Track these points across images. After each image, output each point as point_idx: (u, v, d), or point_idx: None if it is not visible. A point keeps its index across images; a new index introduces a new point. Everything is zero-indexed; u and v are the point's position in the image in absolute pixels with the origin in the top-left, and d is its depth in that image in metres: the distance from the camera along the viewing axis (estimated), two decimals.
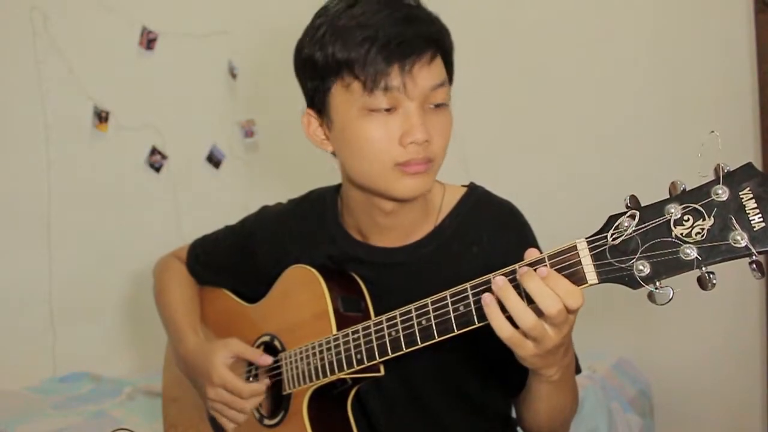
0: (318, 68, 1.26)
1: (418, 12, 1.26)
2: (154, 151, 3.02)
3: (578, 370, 1.34)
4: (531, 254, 1.02)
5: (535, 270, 0.98)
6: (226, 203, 3.10)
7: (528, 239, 1.35)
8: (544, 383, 1.16)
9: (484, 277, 1.05)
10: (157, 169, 3.04)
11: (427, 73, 1.23)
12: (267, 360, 1.44)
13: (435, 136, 1.25)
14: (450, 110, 1.29)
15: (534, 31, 2.81)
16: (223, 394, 1.43)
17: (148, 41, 2.98)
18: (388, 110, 1.23)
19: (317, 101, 1.30)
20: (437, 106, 1.25)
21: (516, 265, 1.02)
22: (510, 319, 1.00)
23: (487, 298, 1.01)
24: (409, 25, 1.22)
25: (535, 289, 0.97)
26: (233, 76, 3.27)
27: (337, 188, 1.47)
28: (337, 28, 1.23)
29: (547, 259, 0.99)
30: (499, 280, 1.01)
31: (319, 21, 1.27)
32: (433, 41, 1.24)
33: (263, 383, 1.44)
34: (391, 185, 1.26)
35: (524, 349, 1.02)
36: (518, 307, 0.99)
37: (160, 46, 3.01)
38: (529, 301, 0.99)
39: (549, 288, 0.97)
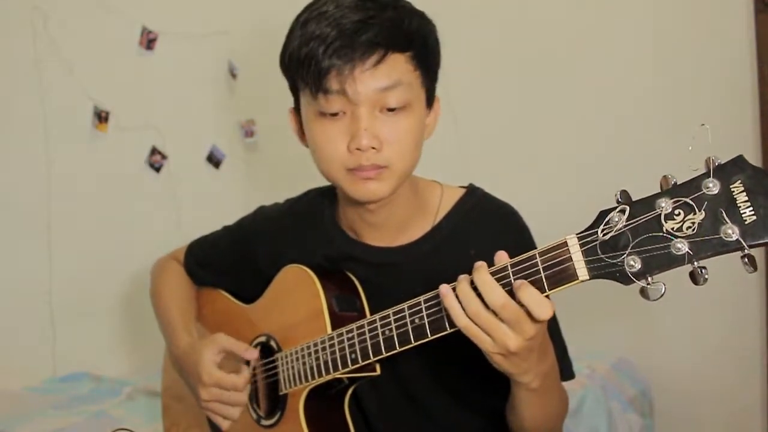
0: (285, 65, 1.28)
1: (374, 14, 1.22)
2: (154, 151, 3.02)
3: (571, 376, 1.34)
4: (500, 257, 1.04)
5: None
6: (226, 203, 3.09)
7: (526, 242, 1.34)
8: (523, 390, 1.14)
9: None
10: (157, 169, 3.04)
11: (369, 77, 1.20)
12: (253, 354, 1.44)
13: (388, 143, 1.22)
14: (413, 114, 1.25)
15: (533, 29, 2.81)
16: (217, 392, 1.43)
17: (148, 41, 2.98)
18: (334, 115, 1.22)
19: (295, 99, 1.32)
20: (391, 110, 1.22)
21: (502, 264, 1.03)
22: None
23: (443, 288, 1.04)
24: (354, 29, 1.19)
25: (480, 281, 1.00)
26: (233, 76, 3.27)
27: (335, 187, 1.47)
28: (301, 28, 1.24)
29: (538, 256, 0.98)
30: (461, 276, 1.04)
31: (294, 20, 1.28)
32: (378, 44, 1.20)
33: (245, 372, 1.44)
34: (349, 188, 1.27)
35: (483, 342, 1.03)
36: (466, 295, 1.01)
37: (160, 46, 3.01)
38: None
39: (497, 282, 1.00)
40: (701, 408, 2.61)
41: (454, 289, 1.04)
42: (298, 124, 1.35)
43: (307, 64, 1.21)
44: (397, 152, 1.23)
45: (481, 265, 1.02)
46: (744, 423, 2.54)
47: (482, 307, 1.00)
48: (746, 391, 2.52)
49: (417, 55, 1.24)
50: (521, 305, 0.99)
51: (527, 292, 0.97)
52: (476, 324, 1.02)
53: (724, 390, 2.56)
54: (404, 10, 1.26)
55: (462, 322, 1.03)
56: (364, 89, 1.20)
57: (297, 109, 1.34)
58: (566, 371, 1.32)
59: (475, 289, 1.01)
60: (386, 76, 1.20)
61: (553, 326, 1.28)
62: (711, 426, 2.60)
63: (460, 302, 1.02)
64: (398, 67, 1.22)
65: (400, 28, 1.22)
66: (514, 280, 1.00)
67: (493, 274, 1.02)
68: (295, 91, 1.31)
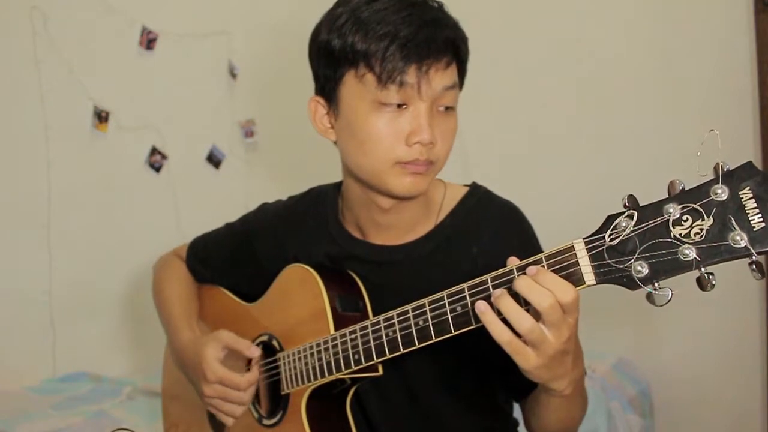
0: (334, 56, 1.25)
1: (440, 16, 1.26)
2: (154, 151, 3.02)
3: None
4: (512, 262, 1.01)
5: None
6: (226, 203, 3.09)
7: (530, 239, 1.34)
8: (554, 397, 1.12)
9: (482, 278, 1.04)
10: (157, 169, 3.04)
11: (441, 76, 1.22)
12: (256, 351, 1.44)
13: (440, 140, 1.24)
14: (456, 116, 1.29)
15: (534, 30, 2.81)
16: (220, 389, 1.43)
17: (148, 41, 2.98)
18: (399, 106, 1.22)
19: (327, 89, 1.29)
20: (446, 108, 1.25)
21: (509, 267, 1.01)
22: (509, 325, 0.98)
23: (481, 305, 0.99)
24: (430, 28, 1.22)
25: (524, 286, 0.95)
26: (233, 76, 3.27)
27: (338, 186, 1.46)
28: (359, 19, 1.23)
29: (544, 260, 0.97)
30: (497, 291, 0.99)
31: (340, 10, 1.26)
32: (451, 46, 1.24)
33: (255, 371, 1.44)
34: (389, 181, 1.26)
35: (526, 358, 0.99)
36: (514, 310, 0.96)
37: (160, 46, 3.01)
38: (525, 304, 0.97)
39: (538, 284, 0.95)
40: (701, 408, 2.61)
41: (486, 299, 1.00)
42: (327, 115, 1.33)
43: (380, 57, 1.21)
44: (443, 150, 1.26)
45: (532, 270, 0.97)
46: (744, 423, 2.54)
47: (535, 322, 0.96)
48: (746, 392, 2.52)
49: (464, 62, 1.29)
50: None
51: (546, 276, 0.95)
52: (525, 340, 0.97)
53: (724, 390, 2.56)
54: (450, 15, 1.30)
55: (506, 337, 0.97)
56: (435, 86, 1.22)
57: (327, 100, 1.31)
58: None
59: (513, 296, 0.97)
60: (450, 76, 1.24)
61: None
62: (711, 426, 2.60)
63: (504, 318, 0.97)
64: (455, 69, 1.26)
65: (462, 33, 1.28)
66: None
67: (498, 278, 1.02)
68: (331, 81, 1.28)
